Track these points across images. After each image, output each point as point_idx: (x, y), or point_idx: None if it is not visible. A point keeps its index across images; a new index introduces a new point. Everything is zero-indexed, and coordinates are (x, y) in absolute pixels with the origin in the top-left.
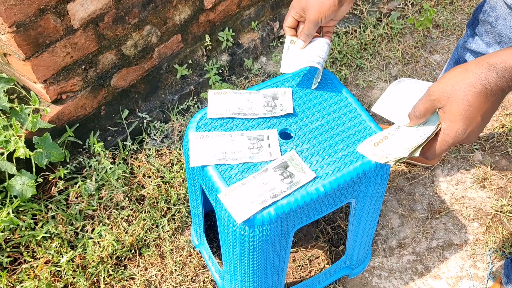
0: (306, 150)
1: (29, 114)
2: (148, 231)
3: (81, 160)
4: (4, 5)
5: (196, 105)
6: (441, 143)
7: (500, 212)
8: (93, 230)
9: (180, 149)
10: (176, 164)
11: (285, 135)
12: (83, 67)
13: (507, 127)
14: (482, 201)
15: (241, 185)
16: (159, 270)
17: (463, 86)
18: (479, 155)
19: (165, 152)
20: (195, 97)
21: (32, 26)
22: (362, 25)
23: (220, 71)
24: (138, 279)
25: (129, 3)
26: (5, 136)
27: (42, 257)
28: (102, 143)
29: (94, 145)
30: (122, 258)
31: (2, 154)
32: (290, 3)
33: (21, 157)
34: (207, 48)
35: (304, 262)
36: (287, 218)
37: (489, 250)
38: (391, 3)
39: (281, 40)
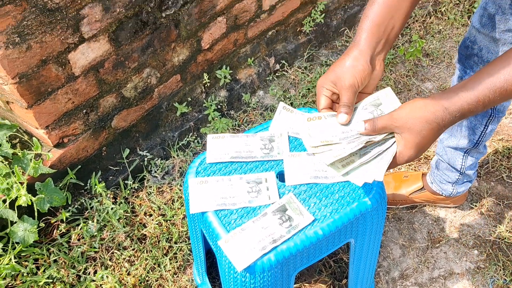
0: (304, 192)
1: (31, 160)
2: (150, 271)
3: (83, 201)
4: (7, 59)
5: (196, 140)
6: (394, 164)
7: (499, 238)
8: (95, 272)
9: (180, 185)
10: (177, 200)
11: (282, 177)
12: (84, 111)
13: (500, 153)
14: (480, 228)
15: (240, 231)
16: None
17: (422, 122)
18: (475, 182)
19: (166, 189)
20: (195, 133)
21: (35, 76)
22: None
23: (219, 106)
24: None
25: (128, 48)
26: (7, 184)
27: None
28: (104, 183)
29: (96, 186)
30: None
31: (4, 201)
32: (284, 38)
33: (22, 205)
34: (206, 85)
35: None
36: (287, 263)
37: (490, 278)
38: None
39: (277, 74)
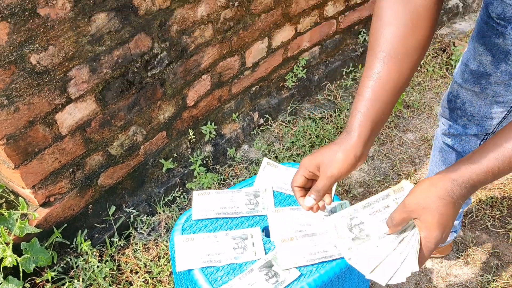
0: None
1: (17, 220)
2: None
3: (69, 260)
4: None
5: (182, 196)
6: (426, 250)
7: None
8: None
9: (167, 242)
10: (163, 257)
11: (268, 232)
12: (71, 170)
13: (483, 202)
14: (467, 277)
15: (228, 287)
16: None
17: (434, 199)
18: (460, 231)
19: (152, 246)
20: (181, 188)
21: (22, 137)
22: (336, 110)
23: (205, 161)
24: None
25: (115, 107)
26: None
27: None
28: (90, 241)
29: (82, 245)
30: None
31: None
32: (267, 93)
33: (8, 266)
34: (191, 141)
35: None
36: None
37: None
38: None
39: (261, 128)
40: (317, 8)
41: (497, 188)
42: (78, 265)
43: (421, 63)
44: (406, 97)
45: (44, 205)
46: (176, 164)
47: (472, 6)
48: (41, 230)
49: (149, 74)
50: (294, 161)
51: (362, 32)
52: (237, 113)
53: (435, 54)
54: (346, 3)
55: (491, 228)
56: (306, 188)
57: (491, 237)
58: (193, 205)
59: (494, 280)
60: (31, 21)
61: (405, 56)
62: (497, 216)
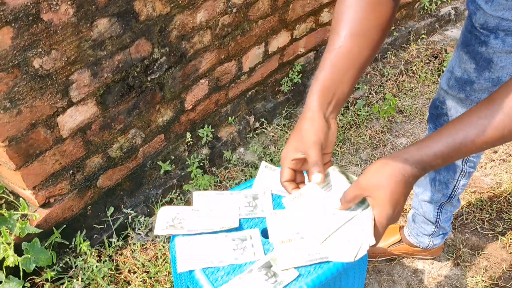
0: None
1: (17, 220)
2: None
3: (68, 260)
4: None
5: (179, 197)
6: (380, 226)
7: None
8: None
9: (164, 242)
10: (161, 257)
11: (266, 233)
12: (71, 171)
13: (473, 205)
14: (457, 278)
15: (228, 287)
16: None
17: (386, 176)
18: (451, 233)
19: (150, 246)
20: (178, 190)
21: (24, 139)
22: None
23: (201, 164)
24: None
25: (115, 111)
26: None
27: None
28: (88, 242)
29: (81, 245)
30: None
31: None
32: (263, 97)
33: (10, 265)
34: (188, 143)
35: None
36: None
37: None
38: (356, 92)
39: (256, 132)
40: (313, 14)
41: (487, 192)
42: (77, 265)
43: (413, 69)
44: (399, 103)
45: (44, 206)
46: (174, 166)
47: (464, 13)
48: (41, 230)
49: (148, 78)
50: None
51: None
52: (233, 117)
53: (427, 61)
54: None
55: (480, 230)
56: (296, 182)
57: (480, 240)
58: (193, 205)
59: (483, 281)
60: (34, 26)
61: (365, 35)
62: (486, 219)
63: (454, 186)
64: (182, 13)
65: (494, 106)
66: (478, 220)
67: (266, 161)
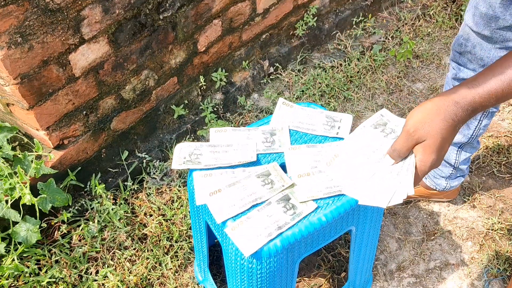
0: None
1: (32, 161)
2: (151, 269)
3: (83, 202)
4: (9, 59)
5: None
6: (421, 173)
7: (492, 230)
8: (97, 272)
9: (180, 186)
10: (176, 201)
11: (284, 169)
12: (84, 112)
13: (490, 148)
14: (473, 220)
15: (246, 219)
16: None
17: (438, 122)
18: (467, 177)
19: (165, 190)
20: (192, 135)
21: (36, 77)
22: (346, 59)
23: (215, 109)
24: None
25: (127, 50)
26: (10, 184)
27: None
28: (104, 185)
29: (96, 188)
30: None
31: (7, 201)
32: (277, 41)
33: (27, 203)
34: (202, 88)
35: None
36: (292, 248)
37: (485, 268)
38: (372, 37)
39: (271, 77)
40: None
41: (504, 136)
42: (93, 207)
43: (431, 13)
44: (416, 47)
45: (58, 147)
46: (187, 111)
47: None
48: (56, 171)
49: (161, 17)
50: None
51: None
52: (247, 61)
53: (445, 5)
54: None
55: (497, 173)
56: None
57: (497, 182)
58: (210, 141)
59: (499, 222)
60: None
61: None
62: (503, 163)
63: (476, 127)
64: None
65: None
66: (495, 163)
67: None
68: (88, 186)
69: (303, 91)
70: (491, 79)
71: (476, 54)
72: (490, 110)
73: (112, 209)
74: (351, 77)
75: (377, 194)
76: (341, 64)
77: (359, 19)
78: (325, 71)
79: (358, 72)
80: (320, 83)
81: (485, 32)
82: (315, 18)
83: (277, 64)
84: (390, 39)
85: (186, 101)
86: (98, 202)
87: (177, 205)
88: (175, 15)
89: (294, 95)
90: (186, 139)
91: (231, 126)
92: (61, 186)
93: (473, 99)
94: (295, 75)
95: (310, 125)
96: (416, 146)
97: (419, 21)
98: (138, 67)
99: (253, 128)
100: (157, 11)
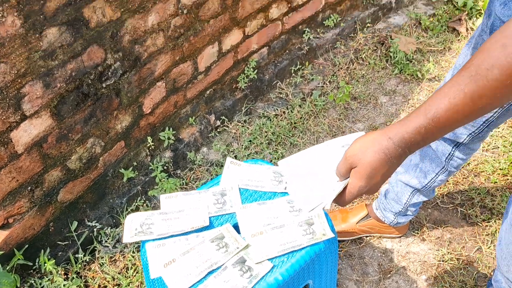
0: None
1: None
2: None
3: (33, 282)
4: None
5: (145, 204)
6: (348, 195)
7: (442, 261)
8: None
9: (134, 252)
10: (131, 268)
11: (237, 229)
12: (29, 188)
13: None
14: (425, 253)
15: (203, 287)
16: None
17: (370, 153)
18: None
19: (118, 258)
20: (143, 197)
21: None
22: (289, 106)
23: (165, 167)
24: None
25: (71, 121)
26: None
27: None
28: (54, 260)
29: (45, 264)
30: None
31: None
32: (222, 95)
33: None
34: (150, 148)
35: None
36: None
37: None
38: (311, 83)
39: (218, 130)
40: (262, 11)
41: None
42: (43, 286)
43: (363, 56)
44: (352, 89)
45: (2, 227)
46: (137, 173)
47: (404, 1)
48: (1, 253)
49: (103, 85)
50: (253, 158)
51: (306, 31)
52: (193, 117)
53: (375, 48)
54: (289, 5)
55: (441, 205)
56: None
57: (442, 213)
58: (161, 209)
59: (448, 252)
60: None
61: None
62: (445, 193)
63: (432, 179)
64: (133, 17)
65: (460, 73)
66: (437, 195)
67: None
68: (37, 264)
69: (250, 141)
70: (417, 115)
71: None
72: (449, 169)
73: (64, 285)
74: (295, 123)
75: (308, 201)
76: (284, 112)
77: (297, 67)
78: (270, 120)
79: (301, 117)
80: (266, 131)
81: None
82: (255, 70)
83: (223, 117)
84: (328, 83)
85: (135, 163)
86: (49, 279)
87: (133, 272)
88: (118, 82)
89: (242, 145)
90: (137, 201)
91: (184, 181)
92: (7, 268)
93: (403, 136)
94: (242, 126)
95: (258, 182)
96: (351, 170)
97: (353, 64)
98: (83, 136)
99: (204, 190)
100: (99, 80)
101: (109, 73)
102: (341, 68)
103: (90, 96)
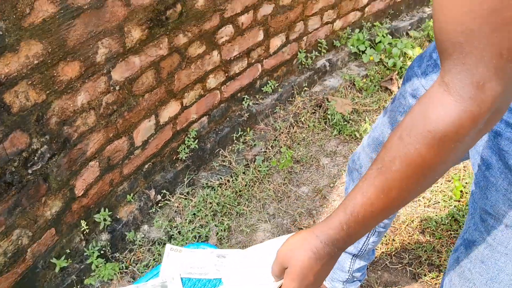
0: None
1: None
2: None
3: None
4: None
5: None
6: None
7: None
8: None
9: None
10: None
11: None
12: None
13: (380, 243)
14: None
15: None
16: None
17: (298, 252)
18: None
19: None
20: (79, 286)
21: None
22: (233, 174)
23: (102, 251)
24: None
25: None
26: None
27: None
28: None
29: None
30: None
31: None
32: (161, 168)
33: None
34: (85, 232)
35: None
36: None
37: None
38: (254, 149)
39: (159, 205)
40: (200, 82)
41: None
42: None
43: (302, 120)
44: (295, 153)
45: None
46: (71, 261)
47: (337, 64)
48: None
49: (29, 171)
50: (198, 233)
51: (245, 98)
52: (132, 194)
53: (313, 111)
54: (226, 74)
55: (390, 265)
56: None
57: (392, 274)
58: None
59: None
60: None
61: None
62: (393, 253)
63: (364, 242)
64: (60, 99)
65: (371, 167)
66: (386, 256)
67: (173, 234)
68: None
69: (194, 213)
70: (338, 212)
71: (362, 174)
72: (377, 229)
73: None
74: (240, 191)
75: None
76: (228, 180)
77: (239, 134)
78: (214, 190)
79: (246, 185)
80: (210, 202)
81: (372, 155)
82: (196, 140)
83: (164, 191)
84: (271, 148)
85: (68, 250)
86: None
87: None
88: (46, 166)
89: (186, 219)
90: None
91: (123, 265)
92: None
93: (328, 233)
94: (185, 199)
95: (201, 269)
96: (284, 270)
97: (293, 128)
98: (8, 228)
99: (142, 284)
100: (24, 166)
101: (35, 158)
102: (282, 133)
103: (14, 185)
